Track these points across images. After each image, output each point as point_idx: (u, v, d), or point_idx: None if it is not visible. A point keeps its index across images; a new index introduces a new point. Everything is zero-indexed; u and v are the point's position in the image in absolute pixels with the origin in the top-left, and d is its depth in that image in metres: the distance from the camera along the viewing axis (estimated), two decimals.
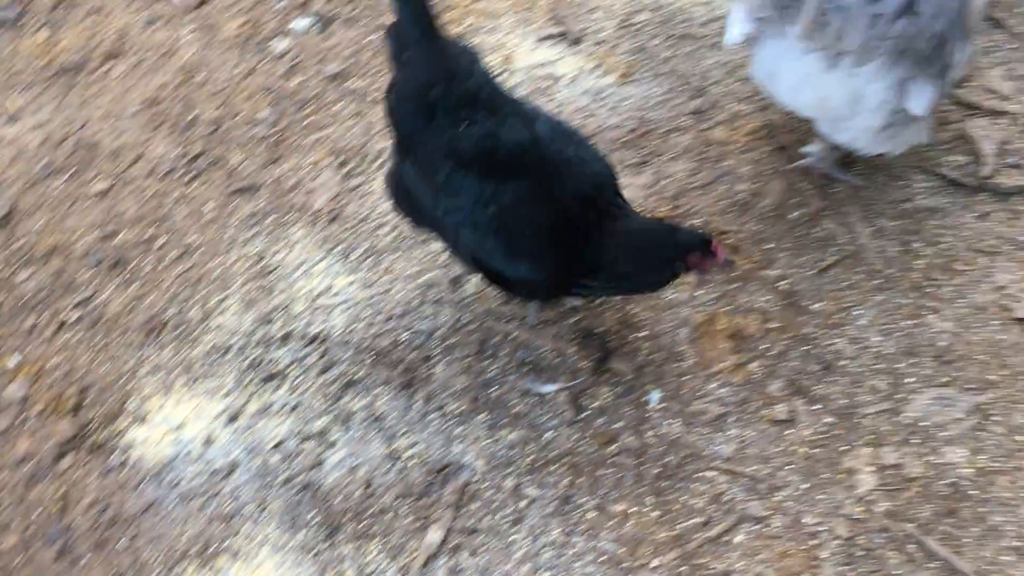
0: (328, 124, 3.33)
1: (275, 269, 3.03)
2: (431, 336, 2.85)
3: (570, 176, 2.35)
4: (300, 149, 3.28)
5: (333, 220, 3.11)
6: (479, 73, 2.44)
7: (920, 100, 2.60)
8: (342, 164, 3.23)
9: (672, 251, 2.35)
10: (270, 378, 2.80)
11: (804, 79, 2.68)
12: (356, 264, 3.01)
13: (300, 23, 3.62)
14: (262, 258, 3.05)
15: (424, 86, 2.38)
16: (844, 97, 2.66)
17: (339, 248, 3.05)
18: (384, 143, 3.22)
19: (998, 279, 2.87)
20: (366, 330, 2.88)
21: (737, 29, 2.77)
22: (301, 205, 3.16)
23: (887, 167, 3.12)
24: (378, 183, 3.13)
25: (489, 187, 2.33)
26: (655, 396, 2.72)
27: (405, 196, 2.57)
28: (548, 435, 2.66)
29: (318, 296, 2.96)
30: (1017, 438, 2.59)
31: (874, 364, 2.74)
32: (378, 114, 3.30)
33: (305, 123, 3.35)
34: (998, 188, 3.05)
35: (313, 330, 2.89)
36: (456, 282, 2.95)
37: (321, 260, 3.03)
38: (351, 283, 2.97)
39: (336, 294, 2.96)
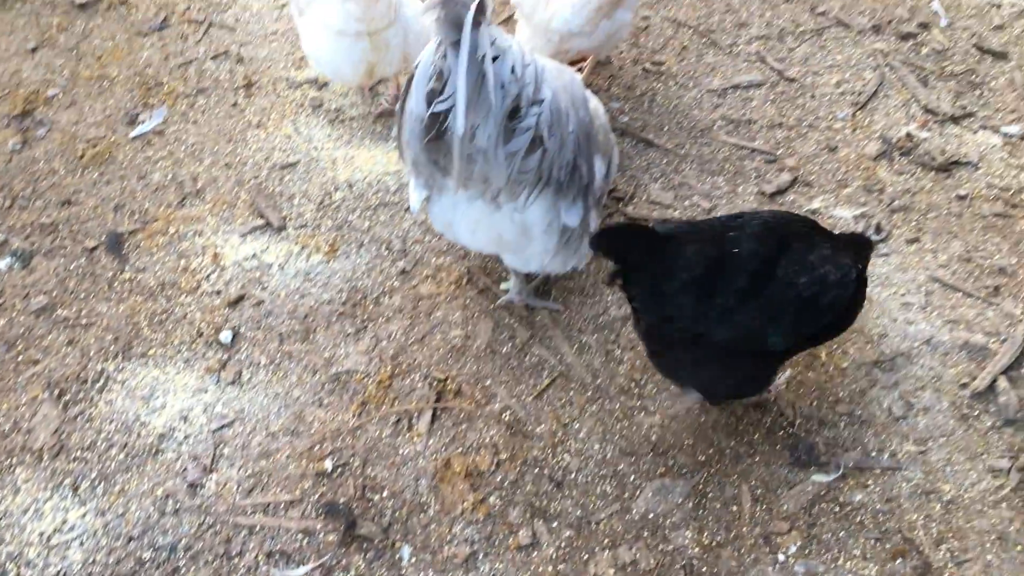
0: (41, 358, 3.30)
1: (1, 518, 2.92)
2: (174, 549, 2.81)
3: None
4: (13, 390, 3.22)
5: (57, 454, 3.05)
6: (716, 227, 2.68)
7: (573, 216, 2.91)
8: (60, 395, 3.18)
9: None
10: None
11: (476, 223, 2.94)
12: (87, 493, 2.95)
13: None
14: None
15: (700, 275, 2.56)
16: (514, 230, 2.93)
17: (67, 481, 2.98)
18: (102, 364, 3.23)
19: None
20: (106, 558, 2.81)
21: (415, 198, 3.01)
22: (21, 446, 3.08)
23: (580, 288, 3.43)
24: (102, 405, 3.12)
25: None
26: (406, 552, 2.80)
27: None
28: None
29: (51, 535, 2.87)
30: (732, 508, 2.85)
31: (599, 471, 2.95)
32: (92, 336, 3.31)
33: (16, 362, 3.30)
34: None
35: (51, 572, 2.79)
36: (194, 487, 2.95)
37: (50, 498, 2.95)
38: (84, 514, 2.90)
39: (71, 529, 2.88)
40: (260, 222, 3.66)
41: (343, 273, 3.50)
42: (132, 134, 3.95)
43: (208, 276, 3.50)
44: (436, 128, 2.53)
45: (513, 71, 2.46)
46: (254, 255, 3.57)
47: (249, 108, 4.05)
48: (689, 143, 3.87)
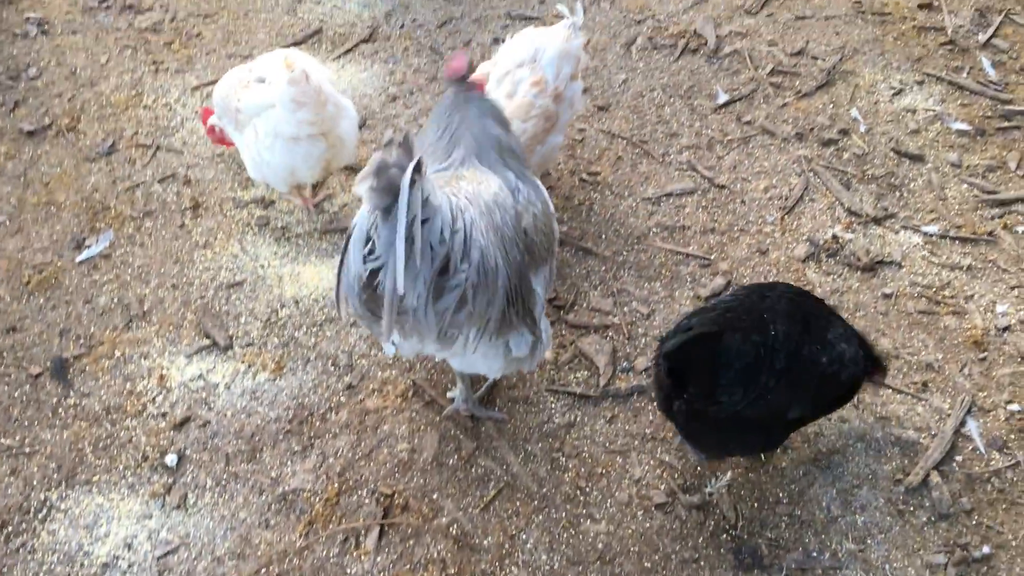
0: None
1: None
2: None
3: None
4: None
5: None
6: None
7: (522, 346, 2.97)
8: (1, 527, 3.14)
9: None
10: None
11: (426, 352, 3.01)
12: None
13: None
14: None
15: (750, 362, 2.73)
16: (464, 362, 3.02)
17: None
18: (45, 493, 3.20)
19: (634, 473, 3.24)
20: None
21: (386, 345, 3.02)
22: None
23: (524, 397, 3.49)
24: (44, 535, 3.09)
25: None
26: None
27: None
28: None
29: None
30: None
31: None
32: (35, 464, 3.29)
33: None
34: (618, 392, 3.49)
35: None
36: None
37: None
38: None
39: None
40: (206, 342, 3.70)
41: (289, 390, 3.53)
42: (78, 259, 3.99)
43: (154, 399, 3.51)
44: (371, 285, 2.55)
45: (442, 234, 2.52)
46: (200, 375, 3.59)
47: (196, 229, 4.13)
48: (626, 250, 4.00)
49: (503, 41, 3.86)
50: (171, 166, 4.40)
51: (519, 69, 3.66)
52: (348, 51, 5.02)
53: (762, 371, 2.75)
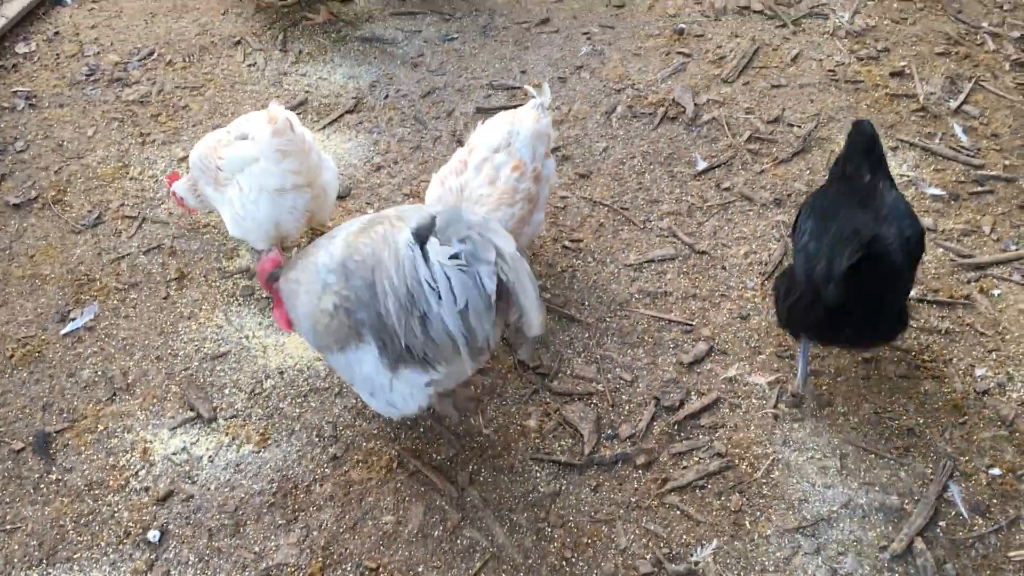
0: None
1: None
2: None
3: None
4: None
5: None
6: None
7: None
8: None
9: None
10: None
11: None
12: None
13: None
14: None
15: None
16: None
17: None
18: (25, 571, 3.17)
19: (620, 542, 3.24)
20: None
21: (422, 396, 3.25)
22: None
23: (509, 466, 3.49)
24: None
25: None
26: None
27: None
28: None
29: None
30: None
31: None
32: (16, 542, 3.26)
33: None
34: (603, 460, 3.50)
35: None
36: None
37: None
38: None
39: None
40: (190, 414, 3.69)
41: (274, 462, 3.52)
42: (63, 331, 4.00)
43: (137, 473, 3.49)
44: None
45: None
46: (184, 448, 3.58)
47: (181, 300, 4.14)
48: (609, 317, 4.04)
49: (476, 126, 3.94)
50: (157, 237, 4.43)
51: (496, 155, 3.73)
52: (333, 121, 5.10)
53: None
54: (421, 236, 2.97)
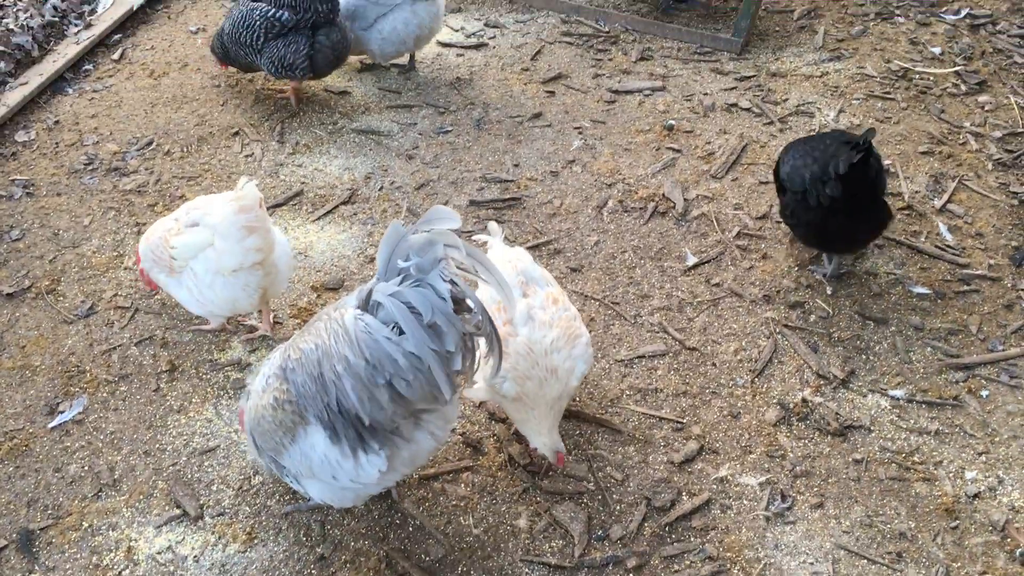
0: None
1: None
2: None
3: None
4: None
5: None
6: None
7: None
8: None
9: None
10: None
11: None
12: None
13: None
14: None
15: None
16: None
17: None
18: None
19: None
20: None
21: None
22: None
23: (499, 568, 3.45)
24: None
25: None
26: None
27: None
28: None
29: None
30: None
31: None
32: None
33: None
34: (593, 563, 3.47)
35: None
36: None
37: None
38: None
39: None
40: (177, 512, 3.65)
41: (260, 563, 3.48)
42: (51, 424, 3.98)
43: (120, 573, 3.44)
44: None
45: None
46: (169, 547, 3.54)
47: (171, 393, 4.13)
48: (600, 414, 4.04)
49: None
50: (149, 328, 4.44)
51: (525, 298, 3.63)
52: (328, 212, 5.15)
53: None
54: (364, 303, 2.99)
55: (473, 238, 4.15)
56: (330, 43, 5.57)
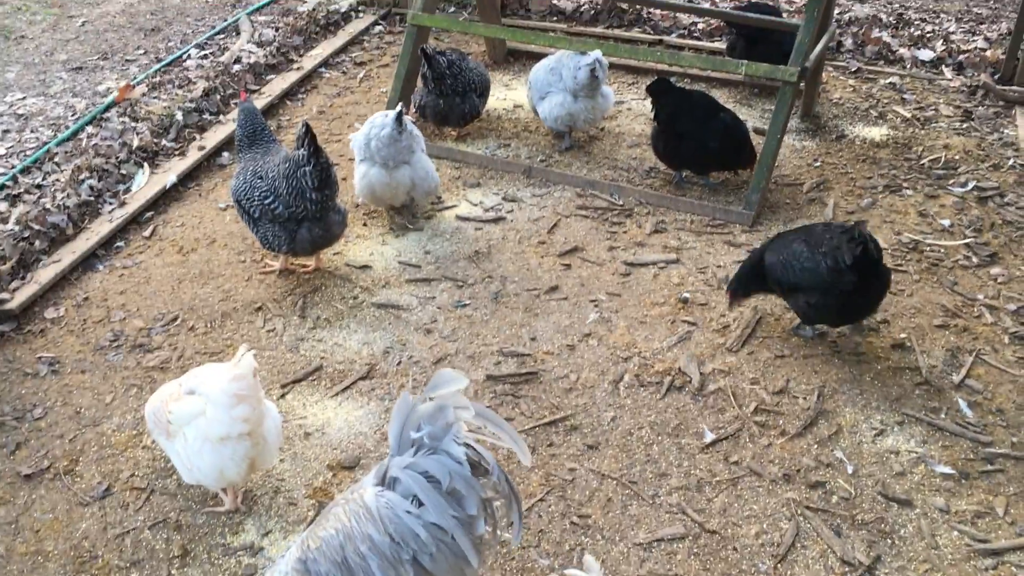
0: None
1: None
2: None
3: None
4: None
5: None
6: None
7: None
8: None
9: None
10: None
11: None
12: None
13: None
14: None
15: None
16: None
17: None
18: None
19: None
20: None
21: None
22: None
23: None
24: None
25: None
26: None
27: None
28: None
29: None
30: None
31: None
32: None
33: None
34: None
35: None
36: None
37: None
38: None
39: None
40: None
41: None
42: None
43: None
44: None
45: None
46: None
47: None
48: None
49: None
50: (164, 510, 4.42)
51: None
52: (346, 388, 5.20)
53: None
54: (382, 480, 3.02)
55: (566, 572, 3.50)
56: (310, 237, 5.85)
